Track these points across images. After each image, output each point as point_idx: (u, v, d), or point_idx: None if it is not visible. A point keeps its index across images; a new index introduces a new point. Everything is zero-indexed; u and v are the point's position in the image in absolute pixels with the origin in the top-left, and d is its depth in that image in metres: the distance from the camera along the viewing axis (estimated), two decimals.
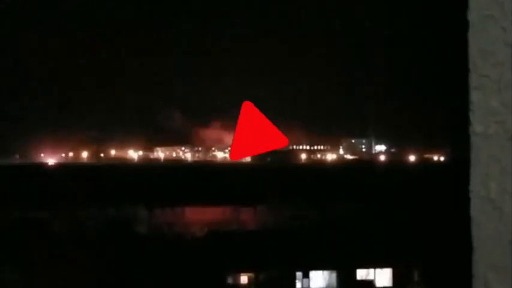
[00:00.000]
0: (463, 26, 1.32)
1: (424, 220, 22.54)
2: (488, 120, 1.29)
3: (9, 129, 45.04)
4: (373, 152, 53.06)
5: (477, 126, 1.29)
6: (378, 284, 23.71)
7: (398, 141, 51.15)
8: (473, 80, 1.30)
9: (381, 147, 53.13)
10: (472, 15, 1.32)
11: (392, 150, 52.07)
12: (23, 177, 33.93)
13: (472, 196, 1.29)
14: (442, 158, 43.24)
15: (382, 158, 51.64)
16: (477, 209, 1.28)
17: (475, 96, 1.30)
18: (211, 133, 53.12)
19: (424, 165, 43.47)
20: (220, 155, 52.41)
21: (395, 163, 45.99)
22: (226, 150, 52.36)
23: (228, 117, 51.33)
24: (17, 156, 46.59)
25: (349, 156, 52.81)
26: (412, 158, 48.67)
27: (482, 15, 1.31)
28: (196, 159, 52.24)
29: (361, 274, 23.86)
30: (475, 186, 1.28)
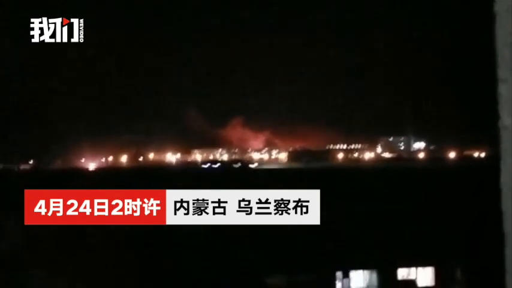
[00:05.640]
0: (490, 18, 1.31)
1: (467, 218, 22.14)
2: None
3: (50, 134, 46.05)
4: (412, 149, 52.40)
5: (506, 119, 1.27)
6: (419, 283, 23.36)
7: (437, 138, 50.42)
8: (501, 72, 1.28)
9: (419, 145, 52.43)
10: (499, 8, 1.30)
11: (432, 147, 51.33)
12: (65, 182, 34.61)
13: (502, 188, 1.27)
14: (482, 155, 42.42)
15: (421, 155, 50.95)
16: (508, 201, 1.26)
17: (503, 88, 1.28)
18: (234, 133, 53.18)
19: (465, 161, 42.72)
20: (256, 156, 52.47)
21: (435, 160, 45.33)
22: (263, 151, 52.41)
23: (250, 115, 51.19)
24: (59, 162, 47.58)
25: (387, 155, 52.27)
26: (452, 154, 47.89)
27: (508, 7, 1.29)
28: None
29: (402, 274, 23.54)
30: (505, 178, 1.26)
